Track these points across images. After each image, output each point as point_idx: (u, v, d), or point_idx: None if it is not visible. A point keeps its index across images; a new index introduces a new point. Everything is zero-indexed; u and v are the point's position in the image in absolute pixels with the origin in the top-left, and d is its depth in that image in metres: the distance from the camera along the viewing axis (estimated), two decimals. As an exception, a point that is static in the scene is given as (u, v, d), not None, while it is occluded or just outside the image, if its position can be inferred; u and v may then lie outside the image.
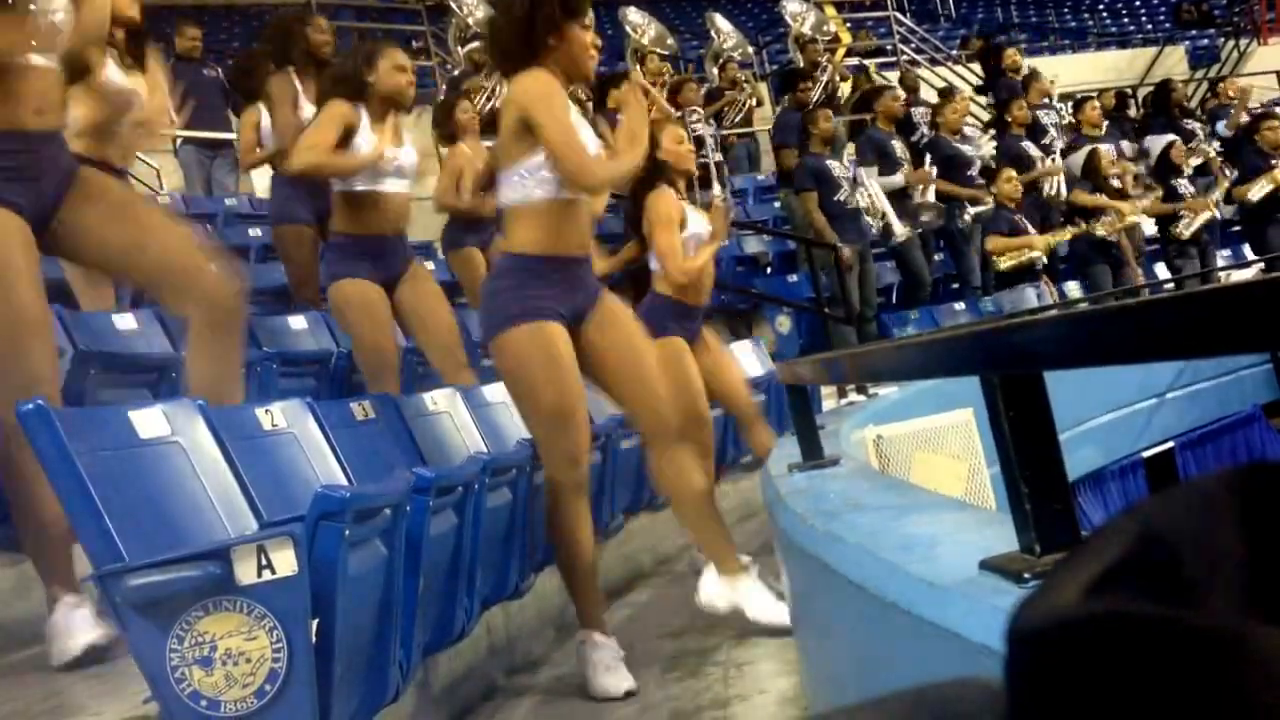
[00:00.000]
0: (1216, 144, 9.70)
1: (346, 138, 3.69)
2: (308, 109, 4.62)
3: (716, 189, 8.06)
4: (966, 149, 8.34)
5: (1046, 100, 9.65)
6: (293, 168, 3.80)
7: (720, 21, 11.16)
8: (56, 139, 2.55)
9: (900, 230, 7.50)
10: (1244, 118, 9.53)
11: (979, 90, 11.35)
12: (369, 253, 3.77)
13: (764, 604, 3.09)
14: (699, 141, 8.45)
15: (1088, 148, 8.37)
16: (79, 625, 2.39)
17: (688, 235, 4.00)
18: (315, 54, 4.83)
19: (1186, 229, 8.26)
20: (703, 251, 4.03)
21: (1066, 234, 7.52)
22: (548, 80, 2.82)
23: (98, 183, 2.62)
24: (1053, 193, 8.31)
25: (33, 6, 2.39)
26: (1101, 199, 7.82)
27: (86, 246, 2.61)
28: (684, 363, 3.92)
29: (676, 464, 3.02)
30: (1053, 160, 8.53)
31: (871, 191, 7.44)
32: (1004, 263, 7.27)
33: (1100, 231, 7.69)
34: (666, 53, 10.46)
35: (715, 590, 3.13)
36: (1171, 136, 8.86)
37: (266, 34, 5.44)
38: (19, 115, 2.42)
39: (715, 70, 10.60)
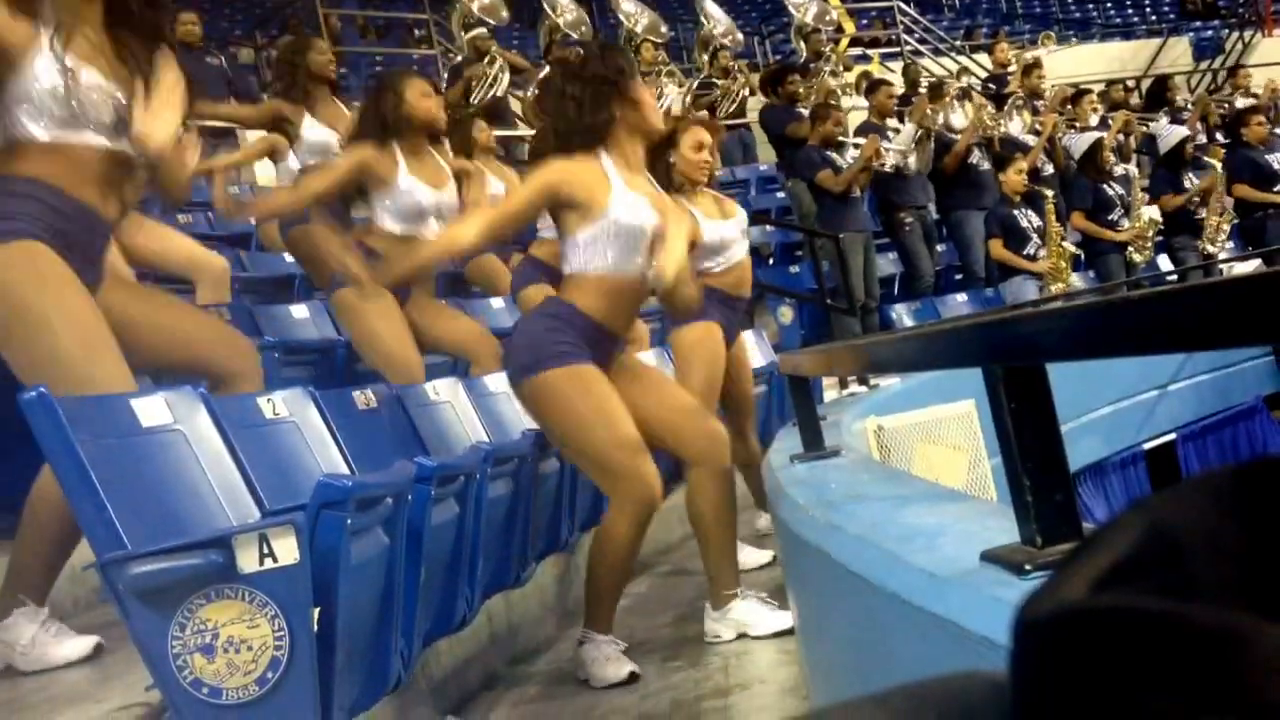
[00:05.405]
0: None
1: (368, 180, 3.71)
2: (322, 132, 4.63)
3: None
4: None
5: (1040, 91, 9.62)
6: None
7: (709, 6, 10.47)
8: (109, 230, 2.48)
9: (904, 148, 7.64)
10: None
11: (986, 83, 11.28)
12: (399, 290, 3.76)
13: (762, 617, 3.09)
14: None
15: (1093, 136, 8.34)
16: (66, 632, 2.38)
17: (707, 242, 3.85)
18: (321, 76, 4.78)
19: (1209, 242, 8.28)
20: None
21: (1069, 264, 7.44)
22: (562, 166, 2.89)
23: (124, 273, 2.61)
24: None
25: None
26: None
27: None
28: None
29: (712, 493, 3.08)
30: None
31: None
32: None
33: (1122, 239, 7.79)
34: (660, 41, 10.18)
35: (715, 625, 3.14)
36: (1186, 131, 8.82)
37: (275, 74, 5.33)
38: (84, 192, 2.35)
39: (706, 59, 10.13)
